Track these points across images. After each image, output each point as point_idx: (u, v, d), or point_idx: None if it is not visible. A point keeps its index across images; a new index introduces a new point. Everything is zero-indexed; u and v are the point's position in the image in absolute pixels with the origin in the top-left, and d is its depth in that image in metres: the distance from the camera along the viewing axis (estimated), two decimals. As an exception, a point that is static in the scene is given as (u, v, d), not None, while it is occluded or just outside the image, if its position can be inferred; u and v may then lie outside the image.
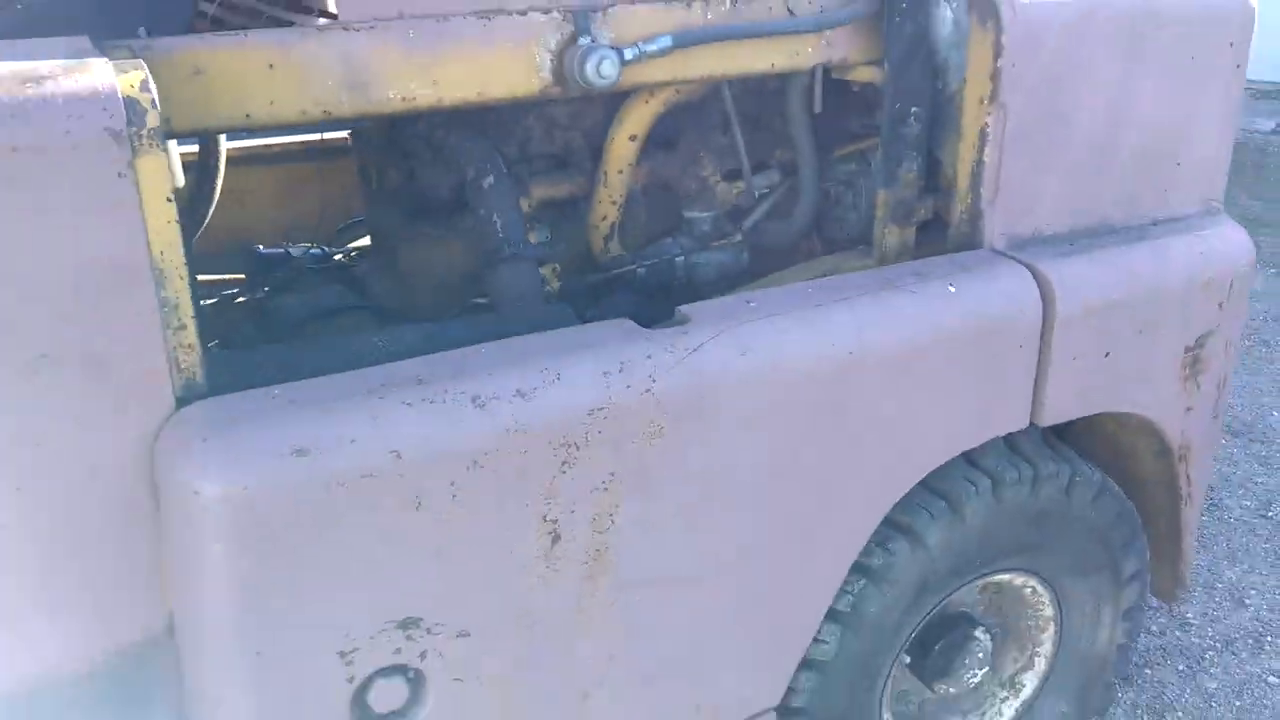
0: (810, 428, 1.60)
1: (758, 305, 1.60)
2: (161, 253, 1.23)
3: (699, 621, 1.63)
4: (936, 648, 2.07)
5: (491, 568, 1.41)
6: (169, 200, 1.22)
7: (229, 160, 2.06)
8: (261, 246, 2.37)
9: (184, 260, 1.26)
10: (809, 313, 1.60)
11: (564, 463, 1.42)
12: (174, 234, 1.24)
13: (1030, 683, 2.24)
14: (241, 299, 2.23)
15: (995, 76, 1.74)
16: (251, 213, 2.54)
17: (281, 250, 2.34)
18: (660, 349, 1.48)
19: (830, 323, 1.60)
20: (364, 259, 2.33)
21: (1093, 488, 2.02)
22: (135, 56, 1.26)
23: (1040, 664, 2.23)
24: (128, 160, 1.18)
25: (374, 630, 1.35)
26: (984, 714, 2.25)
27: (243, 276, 2.30)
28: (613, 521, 1.49)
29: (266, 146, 2.66)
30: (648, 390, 1.45)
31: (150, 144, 1.19)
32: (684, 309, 1.58)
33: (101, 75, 1.17)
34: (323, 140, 2.61)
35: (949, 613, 2.10)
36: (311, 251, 2.39)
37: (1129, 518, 2.12)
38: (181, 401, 1.29)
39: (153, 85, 1.20)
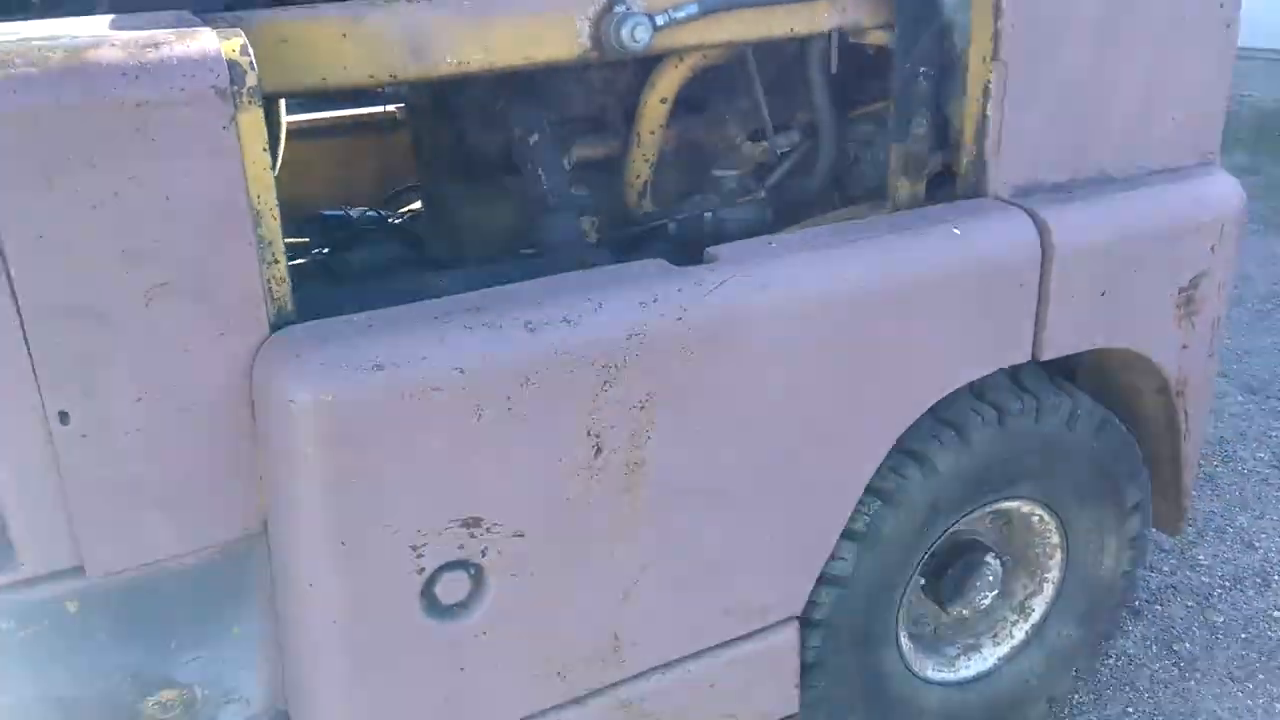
0: (825, 356, 1.78)
1: (778, 246, 1.78)
2: (258, 196, 1.43)
3: (726, 532, 1.82)
4: (950, 571, 2.24)
5: (542, 474, 1.60)
6: (264, 150, 1.42)
7: (289, 133, 2.26)
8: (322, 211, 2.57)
9: (276, 203, 1.46)
10: (824, 252, 1.77)
11: (605, 382, 1.60)
12: (269, 180, 1.44)
13: (1039, 607, 2.40)
14: (303, 260, 2.44)
15: (996, 37, 1.89)
16: (310, 182, 2.74)
17: (342, 213, 2.54)
18: (690, 283, 1.66)
19: (843, 261, 1.77)
20: (418, 219, 2.53)
21: (1094, 420, 2.18)
22: (233, 26, 1.46)
23: (1048, 589, 2.39)
24: (231, 115, 1.37)
25: (441, 527, 1.55)
26: (996, 636, 2.41)
27: (305, 240, 2.51)
28: (649, 437, 1.67)
29: (324, 120, 2.86)
30: (679, 319, 1.63)
31: (249, 101, 1.38)
32: (711, 250, 1.76)
33: (208, 41, 1.37)
34: (381, 113, 2.80)
35: (961, 540, 2.27)
36: (369, 214, 2.59)
37: (1130, 450, 2.27)
38: (275, 326, 1.49)
39: (251, 49, 1.39)
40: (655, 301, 1.63)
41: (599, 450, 1.64)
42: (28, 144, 1.28)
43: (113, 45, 1.33)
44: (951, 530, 2.19)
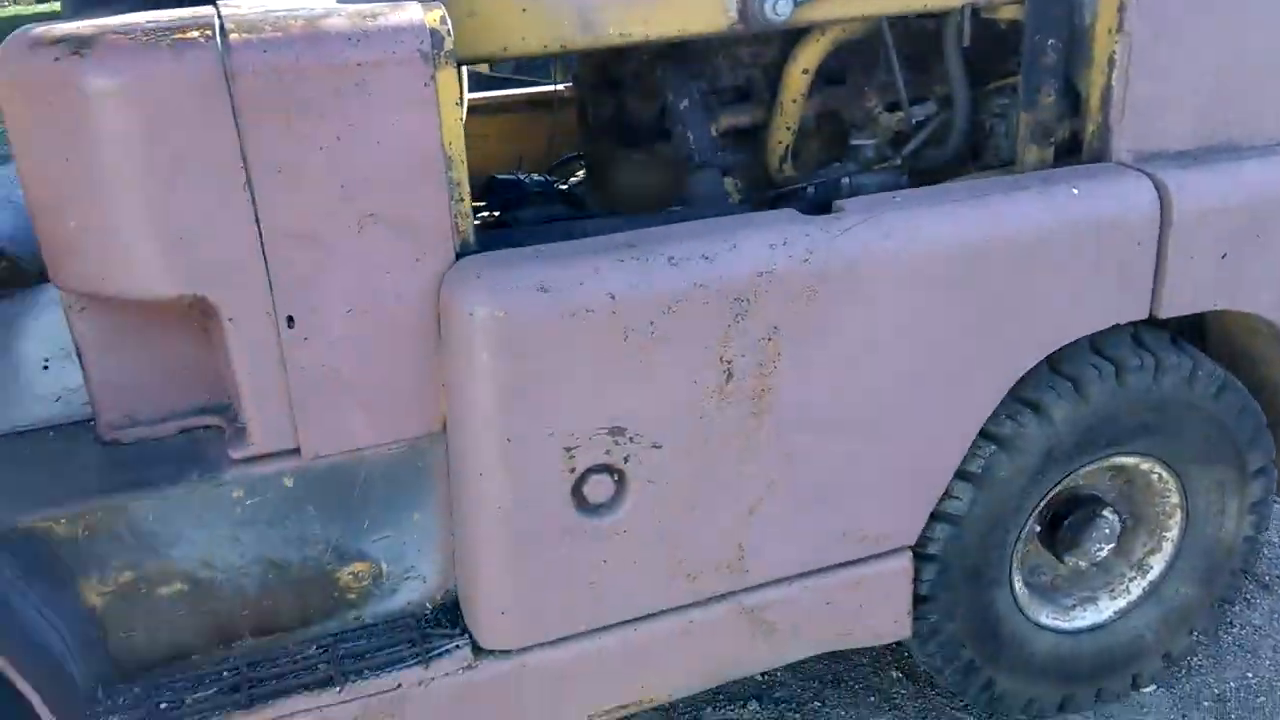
0: (943, 301, 1.94)
1: (901, 199, 1.95)
2: (450, 143, 1.71)
3: (845, 460, 2.00)
4: (1067, 522, 2.36)
5: (679, 393, 1.83)
6: (457, 104, 1.69)
7: (469, 108, 2.55)
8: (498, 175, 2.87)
9: (464, 151, 1.73)
10: (945, 205, 1.93)
11: (737, 315, 1.81)
12: (460, 130, 1.71)
13: (1157, 565, 2.48)
14: (478, 220, 2.74)
15: (1121, 9, 2.01)
16: (486, 153, 3.05)
17: (514, 177, 2.84)
18: (816, 229, 1.86)
19: (963, 214, 1.93)
20: (581, 183, 2.80)
21: (1215, 382, 2.25)
22: (433, 0, 1.74)
23: (1167, 548, 2.46)
24: (431, 74, 1.65)
25: (590, 432, 1.80)
26: (1113, 590, 2.50)
27: (482, 203, 2.82)
28: (775, 367, 1.87)
29: (500, 97, 3.18)
30: (805, 261, 1.83)
31: (447, 63, 1.66)
32: (839, 202, 1.94)
33: (414, 13, 1.65)
34: (550, 91, 3.09)
35: (1080, 494, 2.38)
36: (537, 179, 2.88)
37: (1253, 414, 2.33)
38: (459, 254, 1.76)
39: (449, 20, 1.67)
40: (784, 244, 1.83)
41: (730, 376, 1.85)
42: (273, 94, 1.58)
43: (340, 15, 1.63)
44: (1069, 483, 2.31)
